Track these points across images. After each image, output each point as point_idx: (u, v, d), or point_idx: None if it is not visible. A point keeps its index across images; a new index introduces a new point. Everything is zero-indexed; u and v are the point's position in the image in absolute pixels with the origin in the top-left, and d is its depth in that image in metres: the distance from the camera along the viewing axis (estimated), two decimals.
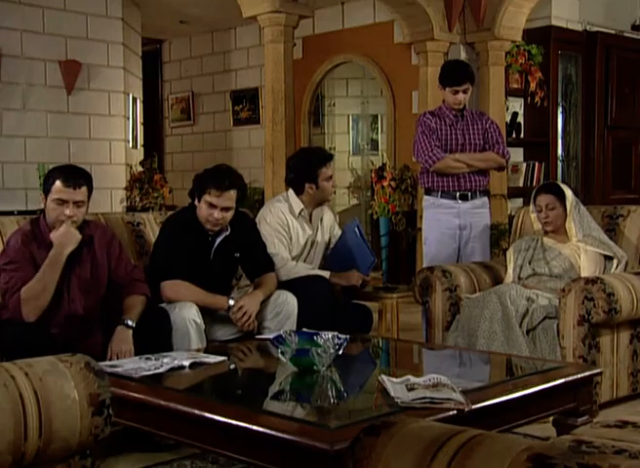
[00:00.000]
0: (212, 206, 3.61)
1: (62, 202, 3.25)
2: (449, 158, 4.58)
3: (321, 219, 4.32)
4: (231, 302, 3.61)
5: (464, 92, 4.58)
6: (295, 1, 5.91)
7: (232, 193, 3.62)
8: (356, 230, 4.29)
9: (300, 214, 4.19)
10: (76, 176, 3.29)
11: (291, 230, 4.16)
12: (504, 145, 4.72)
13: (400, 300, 4.59)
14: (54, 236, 3.24)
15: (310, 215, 4.27)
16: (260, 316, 3.67)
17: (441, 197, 4.65)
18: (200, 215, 3.67)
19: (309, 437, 2.08)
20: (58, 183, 3.24)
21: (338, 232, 4.42)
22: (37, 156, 6.41)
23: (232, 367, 3.14)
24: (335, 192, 4.40)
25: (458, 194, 4.63)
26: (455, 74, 4.61)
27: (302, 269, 4.09)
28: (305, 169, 4.18)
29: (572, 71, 7.66)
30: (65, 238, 3.24)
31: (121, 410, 2.38)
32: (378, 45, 7.92)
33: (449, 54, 6.92)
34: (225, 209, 3.63)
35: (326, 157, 4.24)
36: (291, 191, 4.22)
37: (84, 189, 3.30)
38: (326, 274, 4.11)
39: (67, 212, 3.25)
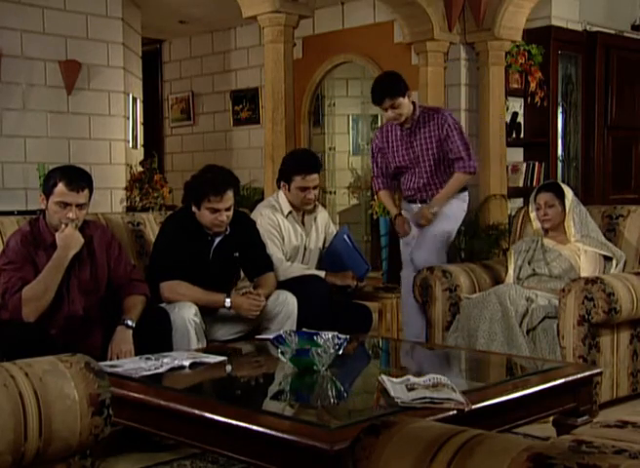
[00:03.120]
0: (215, 210, 3.63)
1: (65, 205, 3.25)
2: (385, 193, 4.78)
3: (314, 219, 4.31)
4: (227, 301, 3.61)
5: (393, 107, 4.40)
6: (295, 1, 5.91)
7: (230, 193, 3.65)
8: (346, 238, 4.30)
9: (289, 214, 4.19)
10: (79, 179, 3.29)
11: (282, 231, 4.16)
12: (468, 154, 4.48)
13: (400, 300, 4.59)
14: (58, 238, 3.24)
15: (303, 216, 4.27)
16: (260, 316, 3.68)
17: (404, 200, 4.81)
18: (204, 222, 3.68)
19: (309, 437, 2.08)
20: (60, 186, 3.24)
21: (333, 230, 4.41)
22: (37, 156, 6.40)
23: (232, 366, 3.13)
24: (315, 203, 4.31)
25: (417, 200, 4.70)
26: (373, 93, 4.49)
27: (298, 269, 4.10)
28: (285, 168, 4.22)
29: (572, 71, 7.65)
30: (70, 240, 3.25)
31: (121, 410, 2.38)
32: (378, 45, 7.91)
33: (449, 54, 6.91)
34: (227, 208, 3.66)
35: (305, 167, 4.14)
36: (280, 192, 4.23)
37: (86, 192, 3.31)
38: (322, 273, 4.11)
39: (71, 215, 3.25)
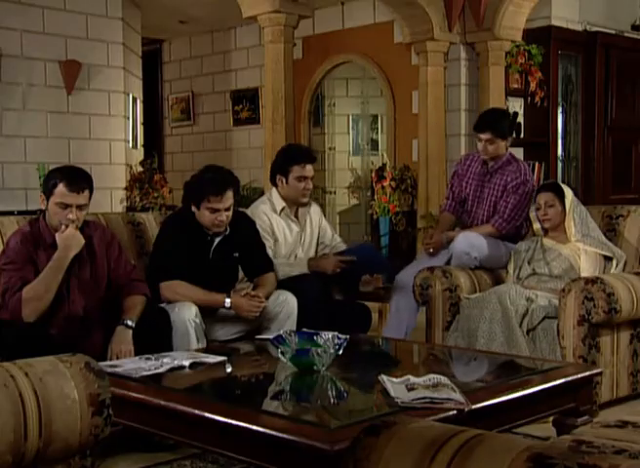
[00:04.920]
0: (215, 210, 3.63)
1: (66, 206, 3.25)
2: (445, 215, 4.66)
3: (308, 212, 4.31)
4: (227, 301, 3.61)
5: (488, 142, 4.37)
6: (295, 1, 5.91)
7: (230, 193, 3.65)
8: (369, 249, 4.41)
9: (282, 211, 4.19)
10: (79, 180, 3.29)
11: (275, 230, 4.15)
12: (510, 216, 4.39)
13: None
14: (59, 238, 3.24)
15: (296, 212, 4.26)
16: (260, 316, 3.68)
17: None
18: (204, 222, 3.68)
19: (309, 437, 2.07)
20: (61, 187, 3.24)
21: (325, 225, 4.41)
22: (37, 156, 6.41)
23: (232, 366, 3.13)
24: (311, 195, 4.32)
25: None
26: (480, 120, 4.52)
27: (282, 265, 4.07)
28: (281, 161, 4.21)
29: (572, 71, 7.65)
30: (71, 241, 3.25)
31: (121, 410, 2.38)
32: (378, 45, 7.91)
33: (449, 54, 6.92)
34: (227, 208, 3.66)
35: (303, 157, 4.18)
36: (273, 189, 4.24)
37: (87, 193, 3.30)
38: (304, 263, 4.11)
39: (71, 216, 3.25)
